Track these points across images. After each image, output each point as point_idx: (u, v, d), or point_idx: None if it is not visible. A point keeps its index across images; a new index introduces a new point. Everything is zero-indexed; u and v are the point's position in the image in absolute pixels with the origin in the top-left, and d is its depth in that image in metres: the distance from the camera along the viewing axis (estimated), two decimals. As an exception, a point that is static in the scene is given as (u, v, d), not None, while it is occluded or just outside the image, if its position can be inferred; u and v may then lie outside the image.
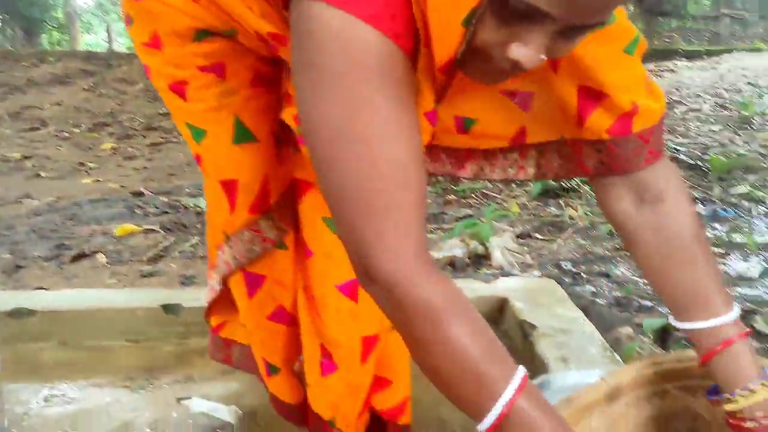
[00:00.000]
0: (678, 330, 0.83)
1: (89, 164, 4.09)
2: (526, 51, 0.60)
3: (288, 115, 0.83)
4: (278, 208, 0.92)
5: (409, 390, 1.01)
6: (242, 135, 0.89)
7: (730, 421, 0.76)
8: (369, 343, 0.90)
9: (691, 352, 0.87)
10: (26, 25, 17.66)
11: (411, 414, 1.02)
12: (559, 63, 0.75)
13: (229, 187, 0.91)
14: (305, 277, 0.93)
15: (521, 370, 0.64)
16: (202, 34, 0.84)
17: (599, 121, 0.75)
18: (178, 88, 0.88)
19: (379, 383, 0.98)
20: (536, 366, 1.35)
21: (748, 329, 0.78)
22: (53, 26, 20.19)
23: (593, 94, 0.75)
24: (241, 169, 0.91)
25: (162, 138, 4.83)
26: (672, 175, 0.80)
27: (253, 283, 0.96)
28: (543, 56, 0.61)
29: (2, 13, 17.56)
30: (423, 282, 0.62)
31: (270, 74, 0.89)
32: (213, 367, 1.54)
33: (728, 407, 0.75)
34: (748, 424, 0.74)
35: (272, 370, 1.02)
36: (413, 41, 0.63)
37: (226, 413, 1.35)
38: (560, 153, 0.82)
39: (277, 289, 0.96)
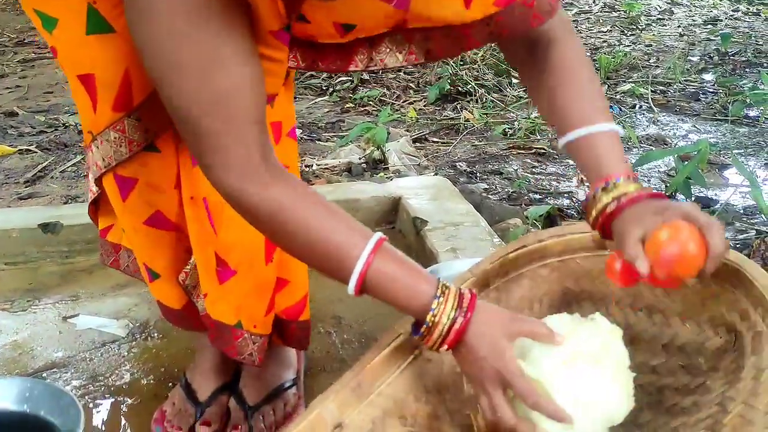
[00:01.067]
0: (562, 152, 0.89)
1: (-43, 87, 3.72)
2: None
3: None
4: (146, 108, 0.86)
5: (307, 288, 1.02)
6: (96, 24, 0.81)
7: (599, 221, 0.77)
8: (271, 244, 0.90)
9: (551, 230, 0.90)
10: None
11: (309, 311, 1.03)
12: None
13: (88, 82, 0.84)
14: (194, 186, 0.89)
15: (377, 235, 0.72)
16: None
17: None
18: None
19: (279, 284, 0.98)
20: (427, 258, 1.38)
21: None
22: None
23: None
24: (98, 63, 0.83)
25: (35, 54, 4.44)
26: (561, 25, 0.84)
27: (125, 186, 0.91)
28: None
29: None
30: (264, 188, 0.71)
31: None
32: (100, 284, 1.49)
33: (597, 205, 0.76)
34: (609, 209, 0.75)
35: (153, 275, 0.98)
36: None
37: (116, 327, 1.31)
38: (448, 35, 0.81)
39: (152, 193, 0.91)
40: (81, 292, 1.45)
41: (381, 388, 0.77)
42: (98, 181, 0.93)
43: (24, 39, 4.84)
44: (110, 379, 1.16)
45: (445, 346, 0.71)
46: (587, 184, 0.82)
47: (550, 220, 1.72)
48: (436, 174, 2.15)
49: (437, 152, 2.47)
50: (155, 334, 1.30)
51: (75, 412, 0.65)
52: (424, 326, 0.70)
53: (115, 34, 0.82)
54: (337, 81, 3.29)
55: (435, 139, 2.62)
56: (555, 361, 0.69)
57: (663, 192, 1.76)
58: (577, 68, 0.83)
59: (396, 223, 1.66)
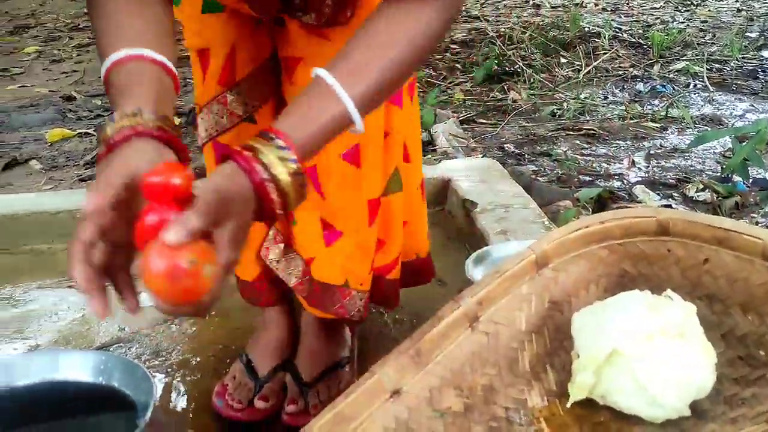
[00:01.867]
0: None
1: (13, 69, 3.85)
2: None
3: None
4: (247, 84, 0.94)
5: (400, 249, 1.05)
6: (211, 4, 0.90)
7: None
8: (374, 206, 0.93)
9: (613, 213, 0.90)
10: None
11: (399, 272, 1.07)
12: None
13: (203, 56, 0.94)
14: None
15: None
16: None
17: None
18: None
19: (378, 244, 1.02)
20: (477, 240, 1.39)
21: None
22: None
23: None
24: (210, 39, 0.92)
25: (89, 39, 4.55)
26: None
27: (221, 152, 0.96)
28: None
29: None
30: None
31: None
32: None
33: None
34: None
35: None
36: None
37: (176, 305, 1.36)
38: None
39: None
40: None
41: (438, 358, 0.78)
42: (200, 150, 1.01)
43: (79, 24, 4.98)
44: (172, 354, 1.21)
45: None
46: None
47: (601, 202, 1.70)
48: (484, 156, 2.14)
49: (485, 134, 2.46)
50: (212, 313, 1.34)
51: (147, 385, 0.68)
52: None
53: (224, 13, 0.90)
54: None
55: (482, 121, 2.61)
56: (638, 336, 0.70)
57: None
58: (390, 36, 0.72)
59: (446, 204, 1.67)
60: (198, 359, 1.20)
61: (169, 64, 0.71)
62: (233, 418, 1.02)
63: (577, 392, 0.75)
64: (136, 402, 0.69)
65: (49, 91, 3.32)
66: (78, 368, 0.73)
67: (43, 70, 3.89)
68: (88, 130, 2.59)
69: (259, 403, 1.03)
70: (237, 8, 0.88)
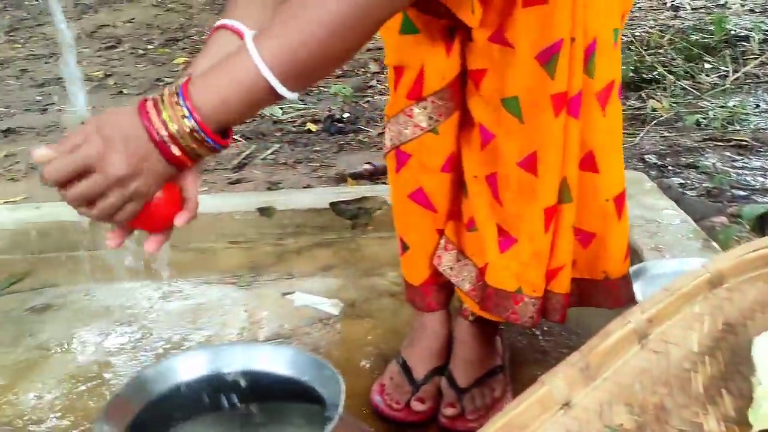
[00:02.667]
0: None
1: (166, 79, 4.18)
2: None
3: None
4: (435, 99, 0.99)
5: (568, 260, 1.00)
6: (407, 26, 0.97)
7: None
8: (549, 214, 0.94)
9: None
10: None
11: (567, 285, 1.01)
12: None
13: (398, 72, 1.01)
14: (479, 166, 0.99)
15: None
16: None
17: None
18: None
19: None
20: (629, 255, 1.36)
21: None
22: (111, -58, 20.12)
23: None
24: (405, 57, 0.99)
25: (232, 50, 4.87)
26: None
27: (400, 159, 1.05)
28: None
29: (62, -68, 17.56)
30: None
31: None
32: (310, 264, 1.63)
33: None
34: None
35: (405, 247, 1.11)
36: None
37: (329, 306, 1.44)
38: None
39: (420, 171, 1.04)
40: (294, 272, 1.60)
41: (607, 374, 0.79)
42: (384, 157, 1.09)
43: (179, 37, 5.32)
44: (329, 352, 1.29)
45: None
46: None
47: (762, 220, 1.61)
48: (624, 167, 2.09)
49: (625, 144, 2.39)
50: (363, 315, 1.41)
51: (336, 385, 0.74)
52: None
53: (418, 35, 0.96)
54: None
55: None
56: None
57: None
58: None
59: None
60: (353, 358, 1.26)
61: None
62: (393, 417, 1.07)
63: (762, 421, 0.73)
64: (324, 397, 0.75)
65: (198, 99, 3.58)
66: (272, 361, 0.81)
67: (192, 79, 4.20)
68: (234, 136, 2.77)
69: (416, 405, 1.07)
70: (429, 25, 0.93)
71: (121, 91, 3.95)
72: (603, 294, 1.02)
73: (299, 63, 0.68)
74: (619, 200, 0.98)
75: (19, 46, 5.86)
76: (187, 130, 0.67)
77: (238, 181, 2.32)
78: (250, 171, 2.44)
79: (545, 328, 1.29)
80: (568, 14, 0.84)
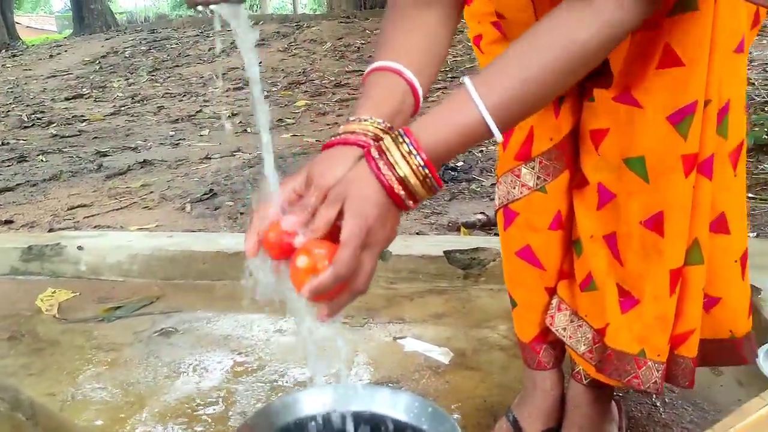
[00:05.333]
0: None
1: (287, 120, 4.40)
2: None
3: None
4: (544, 159, 1.00)
5: (697, 324, 0.97)
6: None
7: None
8: (675, 276, 0.92)
9: None
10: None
11: (695, 349, 0.98)
12: None
13: (507, 133, 1.01)
14: (596, 226, 0.97)
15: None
16: None
17: None
18: (476, 41, 1.03)
19: None
20: (764, 330, 1.28)
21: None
22: (244, -9, 21.57)
23: None
24: None
25: (349, 94, 5.06)
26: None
27: (509, 217, 1.07)
28: None
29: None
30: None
31: None
32: (422, 311, 1.65)
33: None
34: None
35: (513, 303, 1.11)
36: None
37: (439, 354, 1.44)
38: None
39: (527, 229, 1.04)
40: (405, 317, 1.63)
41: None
42: (495, 214, 1.11)
43: (341, 81, 5.55)
44: (437, 401, 1.28)
45: None
46: None
47: None
48: (757, 235, 1.97)
49: (755, 210, 2.27)
50: (472, 366, 1.40)
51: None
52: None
53: None
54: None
55: (751, 195, 2.41)
56: None
57: None
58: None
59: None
60: (462, 409, 1.26)
61: (417, 86, 0.79)
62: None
63: None
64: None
65: (315, 140, 3.74)
66: (392, 405, 0.82)
67: (310, 121, 4.40)
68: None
69: None
70: None
71: (246, 129, 4.19)
72: (727, 353, 0.99)
73: (518, 111, 0.73)
74: (744, 259, 0.96)
75: (158, 84, 6.39)
76: (414, 167, 0.68)
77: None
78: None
79: (666, 400, 1.23)
80: (703, 76, 0.82)
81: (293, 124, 4.35)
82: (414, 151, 0.68)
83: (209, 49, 7.16)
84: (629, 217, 0.91)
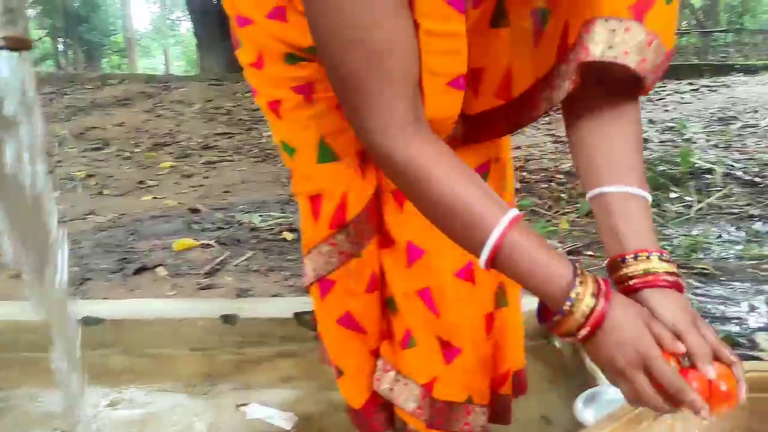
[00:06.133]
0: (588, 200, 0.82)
1: (149, 182, 4.25)
2: None
3: None
4: (356, 223, 0.99)
5: (516, 365, 1.04)
6: (325, 155, 0.97)
7: (619, 286, 0.75)
8: (489, 319, 0.94)
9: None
10: (88, 49, 18.46)
11: (511, 387, 1.05)
12: None
13: (314, 202, 1.00)
14: (408, 282, 0.98)
15: (514, 211, 0.71)
16: (293, 59, 0.92)
17: None
18: (274, 107, 0.98)
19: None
20: (586, 378, 1.35)
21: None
22: (113, 51, 21.02)
23: None
24: (324, 186, 0.98)
25: (217, 157, 4.98)
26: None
27: (325, 287, 1.04)
28: None
29: (65, 38, 18.38)
30: (412, 146, 0.71)
31: None
32: (270, 375, 1.60)
33: (621, 272, 0.74)
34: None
35: (339, 372, 1.09)
36: None
37: (282, 420, 1.40)
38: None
39: (346, 295, 1.02)
40: (252, 382, 1.57)
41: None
42: (307, 289, 1.06)
43: (209, 144, 5.46)
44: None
45: (584, 331, 0.67)
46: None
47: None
48: (591, 289, 2.11)
49: (591, 267, 2.44)
50: (317, 429, 1.37)
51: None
52: (564, 309, 0.67)
53: (340, 162, 0.96)
54: (489, 190, 3.39)
55: (589, 253, 2.59)
56: None
57: None
58: (633, 135, 0.80)
59: (551, 338, 1.65)
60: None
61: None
62: None
63: None
64: None
65: (178, 203, 3.62)
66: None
67: (174, 183, 4.27)
68: (210, 242, 2.79)
69: None
70: (349, 150, 0.95)
71: (102, 192, 3.99)
72: (517, 384, 1.07)
73: None
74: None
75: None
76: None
77: (208, 287, 2.30)
78: (222, 277, 2.43)
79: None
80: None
81: (155, 186, 4.21)
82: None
83: (66, 107, 6.83)
84: (442, 270, 0.94)
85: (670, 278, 0.71)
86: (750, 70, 8.60)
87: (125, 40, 20.39)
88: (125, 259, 2.59)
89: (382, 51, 0.69)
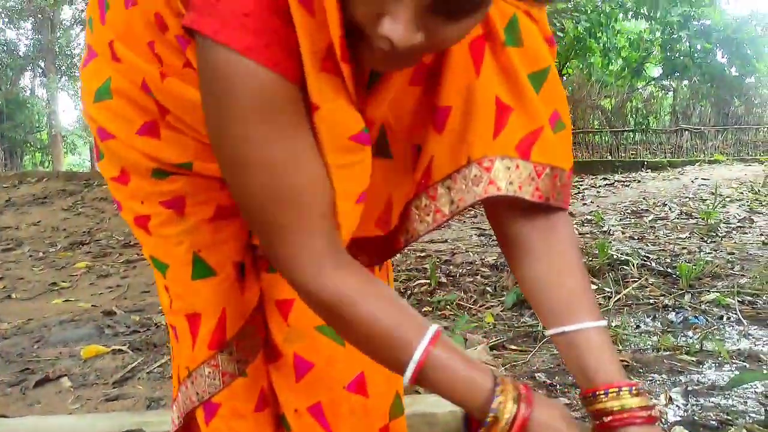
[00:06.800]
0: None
1: (62, 284, 4.05)
2: (395, 26, 0.58)
3: None
4: (238, 340, 0.93)
5: None
6: (201, 270, 0.91)
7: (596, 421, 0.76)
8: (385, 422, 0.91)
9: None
10: (9, 146, 17.99)
11: None
12: (480, 65, 0.78)
13: (192, 321, 0.92)
14: (300, 396, 0.93)
15: (434, 327, 0.72)
16: (162, 174, 0.88)
17: (511, 134, 0.78)
18: (142, 223, 0.91)
19: None
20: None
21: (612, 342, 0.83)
22: (37, 148, 20.57)
23: (505, 106, 0.78)
24: (201, 304, 0.92)
25: (138, 255, 4.82)
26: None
27: (209, 411, 0.95)
28: (419, 36, 0.61)
29: (-15, 136, 17.91)
30: (331, 280, 0.71)
31: (233, 204, 0.90)
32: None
33: (595, 407, 0.76)
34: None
35: None
36: (297, 65, 0.65)
37: None
38: (470, 177, 0.80)
39: (233, 418, 0.94)
40: (154, 506, 1.44)
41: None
42: (186, 416, 0.96)
43: (130, 241, 5.30)
44: None
45: None
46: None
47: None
48: (515, 386, 2.09)
49: (515, 361, 2.43)
50: None
51: None
52: (489, 420, 0.69)
53: (217, 277, 0.91)
54: (415, 284, 3.38)
55: (513, 347, 2.59)
56: None
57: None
58: (572, 258, 0.83)
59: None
60: None
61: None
62: None
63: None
64: None
65: (92, 305, 3.45)
66: None
67: (90, 284, 4.09)
68: (122, 347, 2.64)
69: None
70: (225, 264, 0.92)
71: (10, 296, 3.76)
72: None
73: None
74: None
75: None
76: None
77: (116, 398, 2.16)
78: (133, 386, 2.29)
79: None
80: None
81: (69, 287, 4.01)
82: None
83: (-22, 207, 6.55)
84: (332, 384, 0.90)
85: (644, 414, 0.73)
86: (657, 167, 9.19)
87: (50, 137, 20.04)
88: (27, 369, 2.41)
89: (299, 187, 0.69)
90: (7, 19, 19.47)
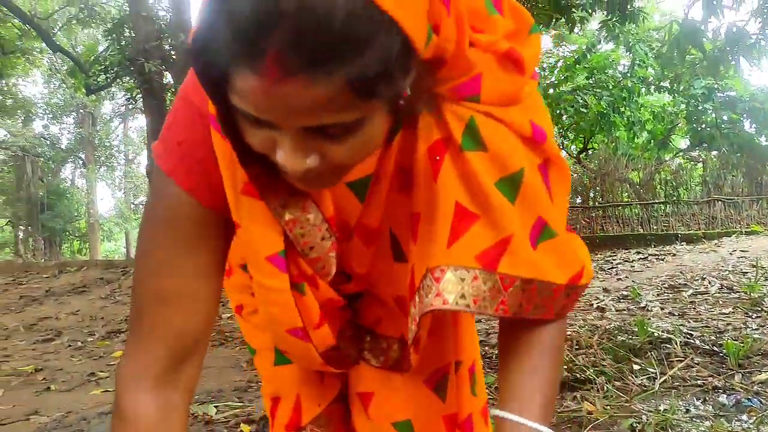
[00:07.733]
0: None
1: (100, 374, 4.05)
2: (283, 154, 0.58)
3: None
4: (313, 428, 0.98)
5: None
6: (282, 357, 0.97)
7: None
8: None
9: None
10: (49, 235, 18.51)
11: None
12: (438, 170, 0.73)
13: (273, 402, 1.00)
14: None
15: None
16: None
17: (471, 243, 0.72)
18: (239, 311, 1.04)
19: None
20: None
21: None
22: (75, 236, 21.13)
23: (468, 214, 0.72)
24: (280, 388, 0.99)
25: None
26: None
27: None
28: (312, 159, 0.59)
29: (26, 226, 18.45)
30: (136, 394, 0.74)
31: None
32: None
33: None
34: None
35: None
36: (214, 194, 0.73)
37: None
38: (424, 288, 0.76)
39: None
40: None
41: None
42: None
43: (122, 329, 5.33)
44: None
45: None
46: None
47: None
48: (564, 478, 2.01)
49: (561, 450, 2.35)
50: None
51: None
52: None
53: (292, 365, 0.97)
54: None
55: (558, 435, 2.51)
56: None
57: None
58: (545, 354, 0.79)
59: None
60: None
61: None
62: None
63: None
64: None
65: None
66: None
67: (127, 374, 4.09)
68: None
69: None
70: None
71: (49, 387, 3.78)
72: None
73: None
74: None
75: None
76: None
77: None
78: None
79: None
80: (452, 339, 0.90)
81: (106, 377, 4.02)
82: None
83: (20, 298, 6.68)
84: None
85: None
86: (692, 239, 9.04)
87: (88, 225, 20.61)
88: (67, 465, 2.40)
89: (166, 293, 0.75)
90: (51, 115, 20.48)
